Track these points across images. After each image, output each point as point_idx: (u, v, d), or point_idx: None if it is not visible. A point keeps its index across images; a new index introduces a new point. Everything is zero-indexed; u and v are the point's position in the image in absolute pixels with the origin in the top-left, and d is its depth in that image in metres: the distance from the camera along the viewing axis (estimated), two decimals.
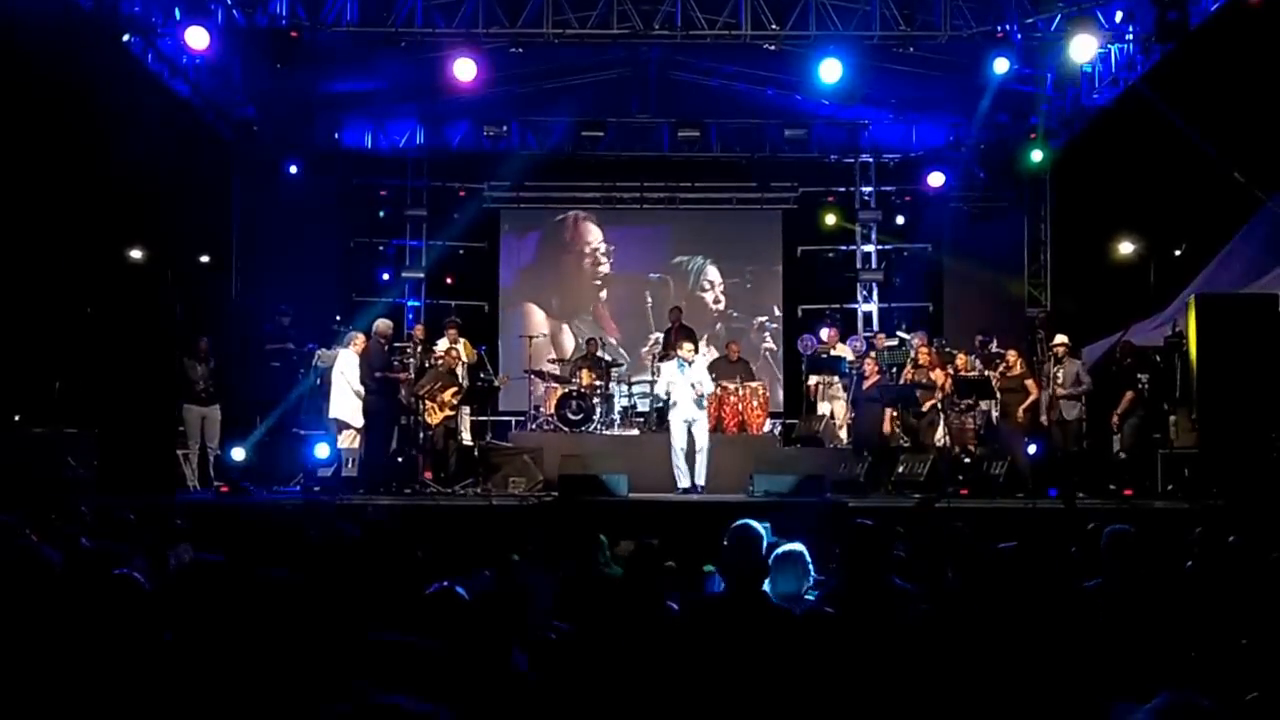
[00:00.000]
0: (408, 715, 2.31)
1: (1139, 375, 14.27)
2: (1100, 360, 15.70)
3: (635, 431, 15.86)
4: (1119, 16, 15.00)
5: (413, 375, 14.74)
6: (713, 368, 15.90)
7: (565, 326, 20.28)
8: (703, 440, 13.75)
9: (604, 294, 20.43)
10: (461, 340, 15.74)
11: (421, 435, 14.18)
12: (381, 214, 19.83)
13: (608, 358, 17.22)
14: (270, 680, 3.75)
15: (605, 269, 20.45)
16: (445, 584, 4.26)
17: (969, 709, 3.73)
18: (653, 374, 15.64)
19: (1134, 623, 4.15)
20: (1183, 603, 4.67)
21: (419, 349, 15.66)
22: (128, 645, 3.86)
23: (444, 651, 3.82)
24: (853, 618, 4.63)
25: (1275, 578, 5.48)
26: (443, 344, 15.51)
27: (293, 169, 17.63)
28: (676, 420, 13.89)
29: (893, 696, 3.96)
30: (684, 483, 13.71)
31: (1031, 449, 13.85)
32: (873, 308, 19.93)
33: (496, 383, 16.58)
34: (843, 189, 20.13)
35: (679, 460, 13.74)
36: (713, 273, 20.42)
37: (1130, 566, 4.89)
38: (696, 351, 14.76)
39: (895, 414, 15.02)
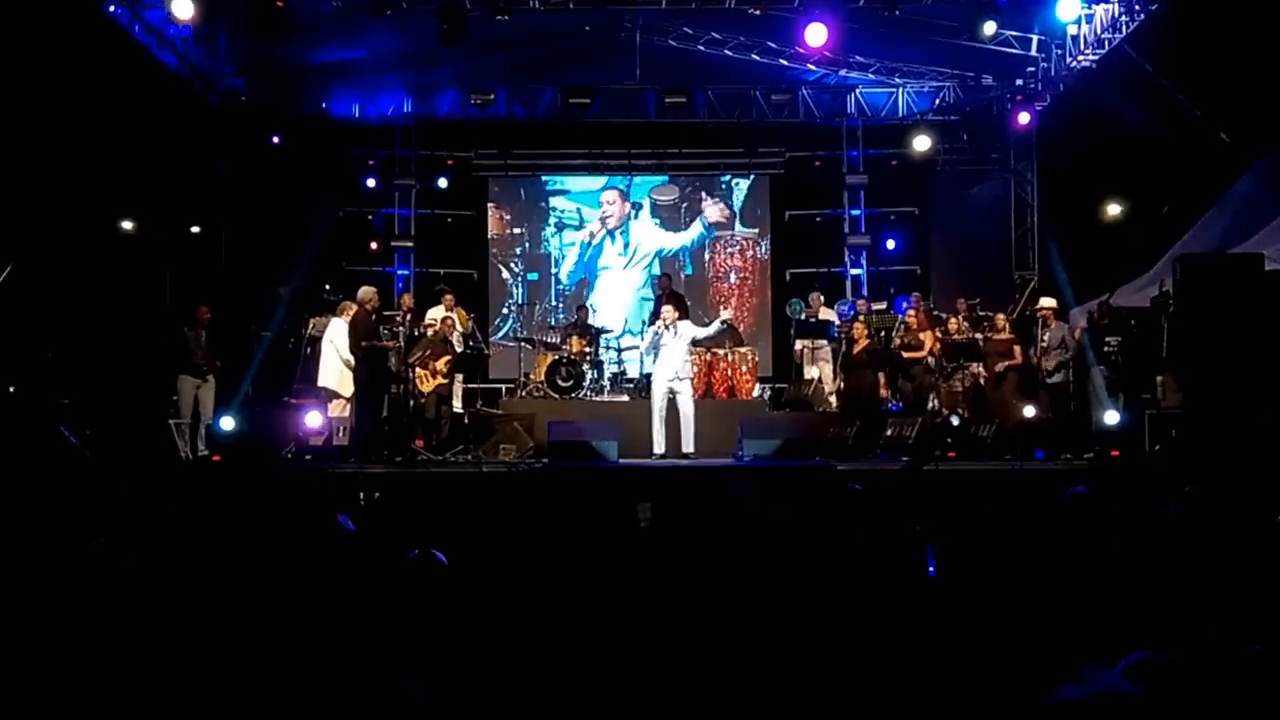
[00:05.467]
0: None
1: (1108, 339, 14.32)
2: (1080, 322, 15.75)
3: (625, 398, 15.95)
4: None
5: (402, 344, 14.75)
6: None
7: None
8: (687, 408, 13.78)
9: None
10: (457, 308, 15.80)
11: (412, 403, 14.23)
12: (370, 183, 19.85)
13: (596, 324, 17.28)
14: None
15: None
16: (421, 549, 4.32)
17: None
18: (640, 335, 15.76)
19: (1102, 585, 4.24)
20: (1159, 563, 4.75)
21: (408, 317, 15.69)
22: None
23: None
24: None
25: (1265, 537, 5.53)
26: (436, 312, 15.57)
27: (274, 139, 17.70)
28: (657, 385, 13.97)
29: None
30: (659, 448, 13.77)
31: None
32: (861, 272, 19.98)
33: (486, 351, 16.64)
34: (830, 153, 20.15)
35: (657, 425, 13.81)
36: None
37: (1088, 529, 4.98)
38: (684, 318, 14.80)
39: (885, 378, 15.13)
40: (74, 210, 15.26)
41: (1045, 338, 14.53)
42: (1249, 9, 14.41)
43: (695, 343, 14.63)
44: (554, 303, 20.22)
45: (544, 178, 20.60)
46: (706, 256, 20.48)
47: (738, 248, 20.47)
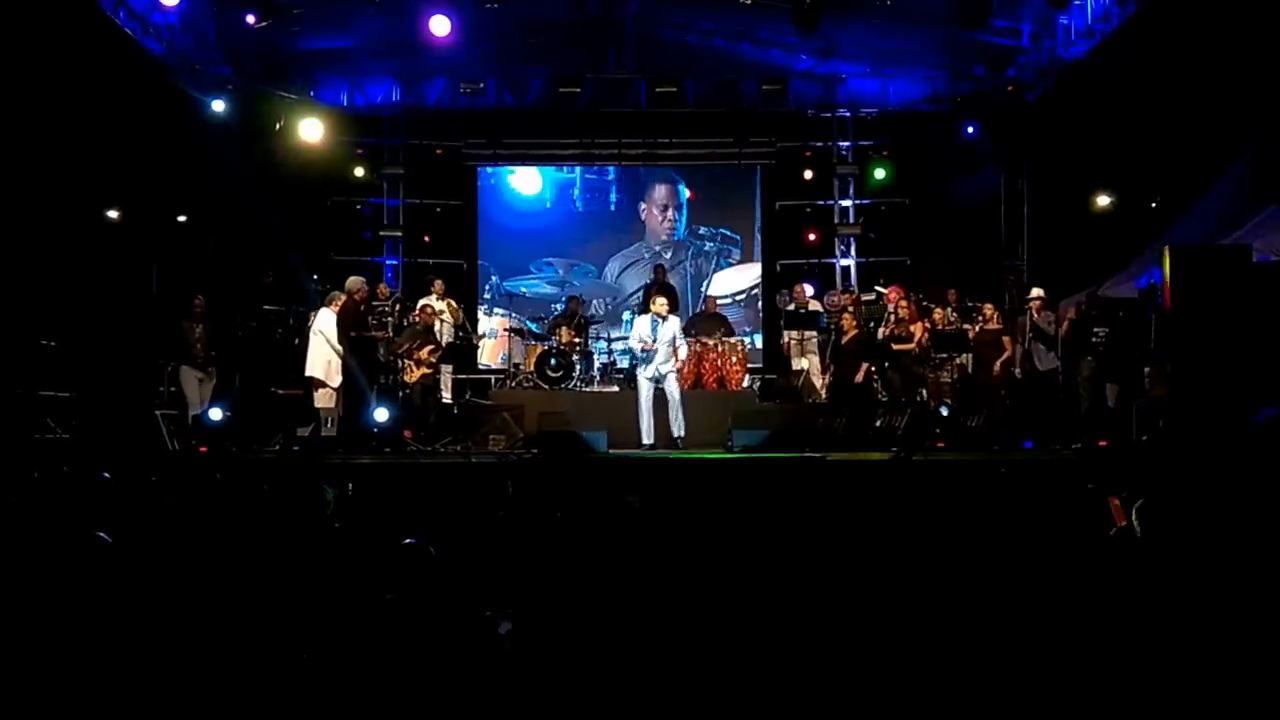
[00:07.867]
0: None
1: (1096, 330, 14.32)
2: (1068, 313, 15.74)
3: (615, 388, 15.94)
4: None
5: (390, 334, 14.72)
6: (691, 324, 16.05)
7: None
8: (674, 394, 13.78)
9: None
10: (448, 300, 15.77)
11: (400, 394, 14.19)
12: (359, 172, 19.78)
13: (587, 315, 17.27)
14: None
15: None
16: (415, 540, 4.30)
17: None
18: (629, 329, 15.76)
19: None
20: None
21: (397, 307, 15.67)
22: None
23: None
24: None
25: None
26: (422, 302, 15.54)
27: (260, 127, 17.67)
28: (644, 375, 13.95)
29: None
30: (647, 439, 13.75)
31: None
32: (850, 262, 19.96)
33: (475, 340, 16.62)
34: (820, 144, 20.12)
35: (644, 415, 13.79)
36: None
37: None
38: (675, 310, 14.78)
39: (872, 368, 15.10)
40: (58, 199, 15.18)
41: (1045, 326, 14.51)
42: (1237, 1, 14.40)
43: (685, 332, 14.64)
44: None
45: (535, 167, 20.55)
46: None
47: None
